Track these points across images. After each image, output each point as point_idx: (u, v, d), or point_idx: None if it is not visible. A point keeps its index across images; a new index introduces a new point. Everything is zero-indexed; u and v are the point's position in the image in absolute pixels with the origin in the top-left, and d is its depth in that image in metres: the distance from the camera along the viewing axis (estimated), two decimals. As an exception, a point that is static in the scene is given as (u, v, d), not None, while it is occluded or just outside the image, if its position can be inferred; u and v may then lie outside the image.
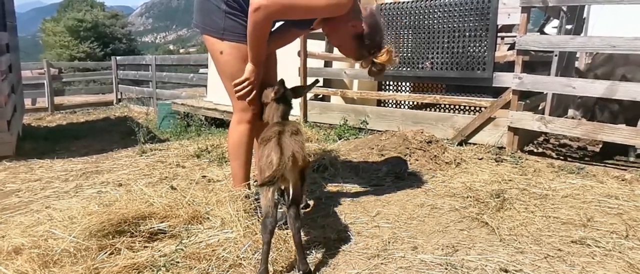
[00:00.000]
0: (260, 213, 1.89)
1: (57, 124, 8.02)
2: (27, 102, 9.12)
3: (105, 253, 1.73)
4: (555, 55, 4.03)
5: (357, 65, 4.61)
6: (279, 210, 2.06)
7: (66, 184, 3.01)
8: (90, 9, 30.89)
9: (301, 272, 1.57)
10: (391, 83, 4.50)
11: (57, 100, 10.04)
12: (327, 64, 4.74)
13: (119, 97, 10.86)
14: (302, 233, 1.64)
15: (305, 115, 4.58)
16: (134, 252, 1.76)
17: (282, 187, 1.98)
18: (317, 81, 2.24)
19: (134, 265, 1.68)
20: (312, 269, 1.62)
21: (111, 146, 4.53)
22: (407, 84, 4.43)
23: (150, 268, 1.66)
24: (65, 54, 27.05)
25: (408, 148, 2.97)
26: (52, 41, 28.54)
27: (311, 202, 2.33)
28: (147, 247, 1.82)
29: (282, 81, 1.94)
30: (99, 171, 3.32)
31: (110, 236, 1.83)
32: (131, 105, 10.09)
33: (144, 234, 1.87)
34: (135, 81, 10.52)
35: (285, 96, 1.94)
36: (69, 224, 1.96)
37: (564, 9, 4.27)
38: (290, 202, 1.62)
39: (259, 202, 1.95)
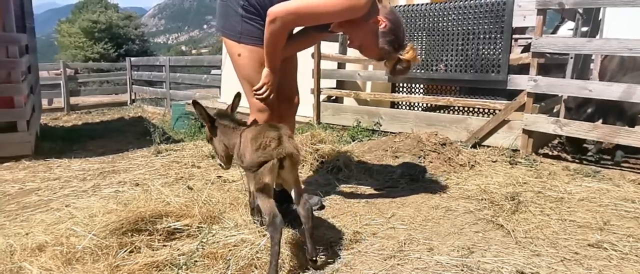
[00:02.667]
0: (261, 219, 1.93)
1: (73, 124, 8.16)
2: (44, 102, 9.30)
3: (125, 250, 1.77)
4: (571, 58, 4.00)
5: (371, 66, 4.63)
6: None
7: (84, 183, 3.07)
8: (104, 10, 31.37)
9: (314, 258, 1.62)
10: (404, 85, 4.50)
11: (73, 100, 10.21)
12: (341, 65, 4.76)
13: (133, 97, 11.01)
14: (314, 232, 1.67)
15: (318, 116, 4.60)
16: (153, 250, 1.80)
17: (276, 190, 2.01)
18: (239, 94, 2.03)
19: (154, 263, 1.71)
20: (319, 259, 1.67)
21: (127, 146, 4.60)
22: (420, 86, 4.42)
23: (170, 266, 1.69)
24: (80, 54, 27.51)
25: (422, 150, 2.98)
26: (67, 42, 29.06)
27: (326, 203, 2.35)
28: (165, 245, 1.85)
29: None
30: (116, 171, 3.37)
31: (129, 234, 1.87)
32: (145, 105, 10.22)
33: (161, 232, 1.90)
34: (149, 81, 10.66)
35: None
36: (89, 222, 2.01)
37: (580, 11, 4.23)
38: (297, 197, 1.67)
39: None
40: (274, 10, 1.80)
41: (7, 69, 4.08)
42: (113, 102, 11.14)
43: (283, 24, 1.81)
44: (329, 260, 1.73)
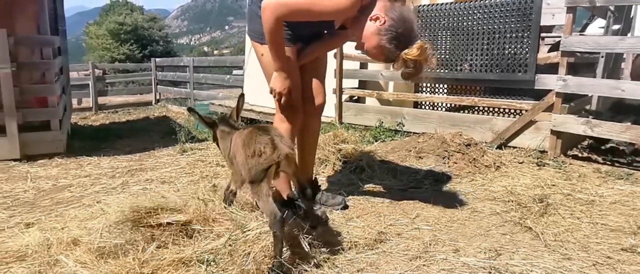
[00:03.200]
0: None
1: (101, 123, 8.42)
2: (74, 102, 9.62)
3: (154, 245, 1.81)
4: (602, 57, 3.87)
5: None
6: (319, 210, 2.11)
7: (113, 180, 3.16)
8: (130, 12, 32.17)
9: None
10: (428, 85, 4.46)
11: (100, 100, 10.53)
12: (363, 65, 4.75)
13: (158, 97, 11.26)
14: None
15: (340, 116, 4.61)
16: (180, 247, 1.84)
17: (273, 189, 2.01)
18: (242, 95, 2.05)
19: (181, 259, 1.75)
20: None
21: (153, 145, 4.71)
22: (444, 86, 4.37)
23: (198, 263, 1.71)
24: (107, 56, 28.30)
25: (446, 151, 2.94)
26: (95, 44, 29.93)
27: (349, 203, 2.35)
28: (191, 243, 1.88)
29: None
30: (143, 169, 3.47)
31: (155, 228, 1.91)
32: (169, 105, 10.44)
33: (184, 230, 1.93)
34: (173, 81, 10.89)
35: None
36: (120, 217, 2.06)
37: (611, 8, 4.10)
38: (302, 188, 1.73)
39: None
40: (265, 2, 1.79)
41: (41, 70, 4.24)
42: (138, 102, 11.42)
43: (275, 17, 1.77)
44: (354, 259, 1.73)
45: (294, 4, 1.78)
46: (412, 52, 1.73)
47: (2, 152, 3.81)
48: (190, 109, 1.90)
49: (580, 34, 4.45)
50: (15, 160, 3.81)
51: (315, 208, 2.11)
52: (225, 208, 2.06)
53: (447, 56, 3.86)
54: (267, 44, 1.89)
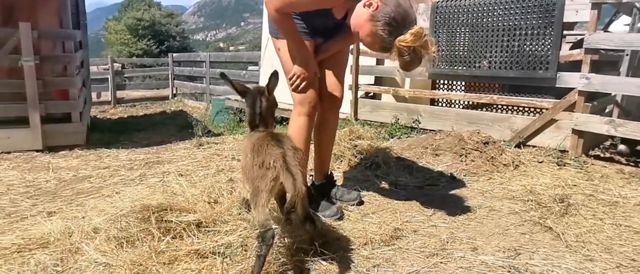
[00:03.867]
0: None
1: (119, 116, 8.57)
2: (93, 96, 9.81)
3: (170, 236, 1.82)
4: (627, 55, 3.76)
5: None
6: (335, 205, 2.10)
7: (131, 172, 3.22)
8: (148, 8, 32.64)
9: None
10: (445, 82, 4.40)
11: (119, 94, 10.71)
12: (379, 61, 4.71)
13: (174, 92, 11.40)
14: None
15: (355, 113, 4.58)
16: (195, 239, 1.85)
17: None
18: (275, 72, 1.81)
19: (197, 251, 1.76)
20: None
21: (169, 138, 4.78)
22: (461, 83, 4.31)
23: (212, 255, 1.72)
24: (125, 51, 28.77)
25: (464, 149, 2.90)
26: (114, 39, 30.45)
27: (365, 199, 2.34)
28: (204, 236, 1.89)
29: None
30: (160, 161, 3.51)
31: (170, 222, 1.93)
32: (185, 100, 10.57)
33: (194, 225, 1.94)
34: (189, 76, 11.00)
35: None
36: (131, 204, 2.09)
37: (638, 5, 3.97)
38: (304, 215, 1.53)
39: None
40: None
41: (63, 63, 4.34)
42: (155, 96, 11.59)
43: (273, 9, 1.83)
44: (370, 255, 1.72)
45: None
46: (406, 38, 1.58)
47: (26, 143, 3.91)
48: (222, 75, 1.88)
49: (607, 32, 4.32)
50: (37, 151, 3.91)
51: (326, 213, 2.08)
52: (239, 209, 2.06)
53: (466, 53, 3.80)
54: (283, 37, 1.94)
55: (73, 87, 4.29)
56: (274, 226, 1.48)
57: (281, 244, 1.75)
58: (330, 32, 2.07)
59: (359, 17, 1.68)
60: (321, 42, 2.07)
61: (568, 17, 3.29)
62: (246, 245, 1.75)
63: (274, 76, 1.76)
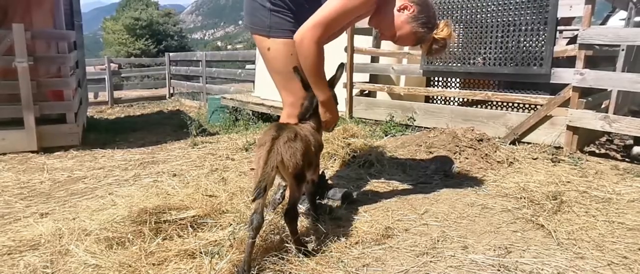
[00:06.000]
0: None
1: (116, 116, 8.56)
2: (90, 96, 9.80)
3: (160, 237, 1.82)
4: (623, 50, 3.75)
5: (405, 60, 4.55)
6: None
7: (126, 172, 3.21)
8: (145, 7, 32.52)
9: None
10: (440, 79, 4.39)
11: (116, 94, 10.69)
12: (374, 59, 4.70)
13: (171, 91, 11.39)
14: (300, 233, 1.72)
15: (350, 111, 4.57)
16: (185, 239, 1.84)
17: (284, 184, 2.03)
18: (343, 64, 2.05)
19: (187, 250, 1.75)
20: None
21: (165, 138, 4.77)
22: (456, 80, 4.30)
23: (201, 254, 1.71)
24: (123, 50, 28.70)
25: (458, 146, 2.89)
26: (112, 39, 30.38)
27: (356, 198, 2.33)
28: (195, 235, 1.88)
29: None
30: (155, 161, 3.51)
31: (162, 222, 1.93)
32: (182, 99, 10.55)
33: (189, 223, 1.94)
34: (186, 76, 10.98)
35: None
36: (129, 209, 2.09)
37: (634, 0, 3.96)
38: (286, 207, 1.66)
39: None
40: (300, 33, 1.79)
41: (57, 64, 4.32)
42: (153, 96, 11.57)
43: (315, 43, 1.78)
44: (360, 255, 1.72)
45: (328, 16, 1.79)
46: (443, 31, 1.90)
47: (20, 144, 3.90)
48: (341, 65, 1.98)
49: (601, 26, 4.31)
50: (32, 152, 3.90)
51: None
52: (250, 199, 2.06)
53: (460, 50, 3.79)
54: (308, 74, 1.87)
55: (68, 88, 4.27)
56: (266, 213, 1.54)
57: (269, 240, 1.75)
58: None
59: (398, 20, 1.91)
60: None
61: (562, 13, 3.28)
62: (234, 239, 1.74)
63: (341, 66, 1.99)
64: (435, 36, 1.92)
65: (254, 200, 1.48)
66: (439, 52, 1.99)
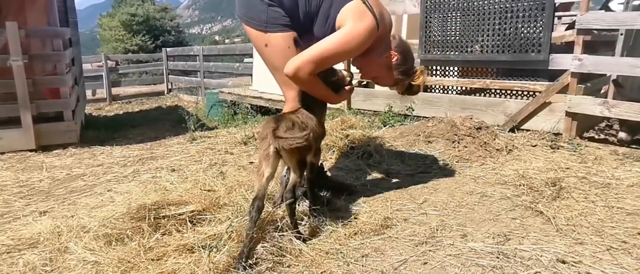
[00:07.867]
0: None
1: (114, 113, 8.55)
2: (88, 94, 9.77)
3: (159, 232, 1.81)
4: (621, 34, 3.72)
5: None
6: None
7: (125, 169, 3.21)
8: (141, 3, 32.25)
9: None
10: (438, 68, 4.37)
11: (114, 91, 10.67)
12: (371, 50, 4.66)
13: (170, 87, 11.35)
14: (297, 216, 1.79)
15: (349, 102, 4.56)
16: (183, 234, 1.83)
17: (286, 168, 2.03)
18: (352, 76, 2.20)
19: (185, 245, 1.75)
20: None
21: (164, 134, 4.76)
22: (455, 68, 4.27)
23: (200, 248, 1.71)
24: (120, 47, 28.54)
25: (456, 135, 2.88)
26: (108, 35, 30.19)
27: (355, 189, 2.33)
28: (194, 230, 1.88)
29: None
30: (154, 157, 3.50)
31: (161, 218, 1.93)
32: (181, 94, 10.52)
33: (188, 218, 1.94)
34: (184, 71, 10.94)
35: None
36: (128, 206, 2.09)
37: (632, -18, 3.92)
38: (286, 188, 1.74)
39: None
40: (295, 64, 1.80)
41: (52, 62, 4.30)
42: (151, 92, 11.54)
43: (310, 73, 1.82)
44: (359, 245, 1.72)
45: (324, 54, 1.82)
46: (419, 79, 2.11)
47: (18, 143, 3.89)
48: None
49: (599, 11, 4.26)
50: (31, 150, 3.90)
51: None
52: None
53: (457, 38, 3.76)
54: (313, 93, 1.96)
55: (64, 85, 4.25)
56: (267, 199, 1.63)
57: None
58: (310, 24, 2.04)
59: (382, 68, 2.06)
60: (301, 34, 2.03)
61: (560, -2, 3.24)
62: (232, 232, 1.74)
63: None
64: (412, 82, 2.11)
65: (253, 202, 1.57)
66: (412, 94, 2.20)
